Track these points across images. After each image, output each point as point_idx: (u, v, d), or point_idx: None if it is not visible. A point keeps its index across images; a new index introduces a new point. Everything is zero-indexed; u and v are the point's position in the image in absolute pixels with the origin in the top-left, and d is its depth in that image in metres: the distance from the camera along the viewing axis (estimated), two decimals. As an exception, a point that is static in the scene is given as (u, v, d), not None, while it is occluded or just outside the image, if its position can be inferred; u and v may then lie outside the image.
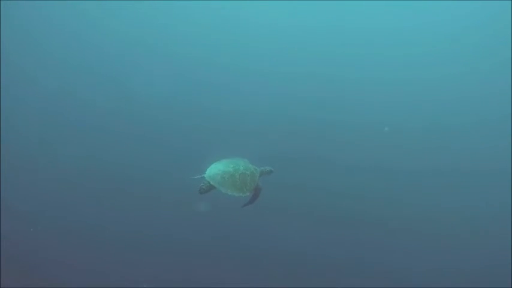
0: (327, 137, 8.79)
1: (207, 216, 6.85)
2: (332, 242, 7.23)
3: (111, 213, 7.01)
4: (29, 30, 9.00)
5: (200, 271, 6.44)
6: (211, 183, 4.11)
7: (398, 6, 10.28)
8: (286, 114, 9.00)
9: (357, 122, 9.14)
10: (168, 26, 10.13)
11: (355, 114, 9.27)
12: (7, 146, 7.50)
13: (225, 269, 6.54)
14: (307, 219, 7.35)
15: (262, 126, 8.49)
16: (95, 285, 5.75)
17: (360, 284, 6.73)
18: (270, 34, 10.27)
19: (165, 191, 7.36)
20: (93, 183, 7.43)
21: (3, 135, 7.62)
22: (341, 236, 7.30)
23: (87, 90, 8.96)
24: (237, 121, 8.71)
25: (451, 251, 7.24)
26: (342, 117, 9.17)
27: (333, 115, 9.15)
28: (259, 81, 9.77)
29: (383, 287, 6.75)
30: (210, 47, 10.16)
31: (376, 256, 7.13)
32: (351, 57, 10.03)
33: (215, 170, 4.15)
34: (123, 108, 8.80)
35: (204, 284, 6.19)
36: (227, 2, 10.38)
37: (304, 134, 8.63)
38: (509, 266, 6.75)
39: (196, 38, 9.99)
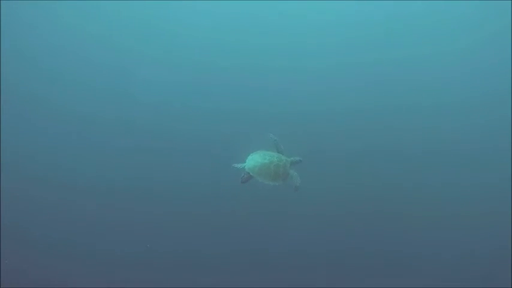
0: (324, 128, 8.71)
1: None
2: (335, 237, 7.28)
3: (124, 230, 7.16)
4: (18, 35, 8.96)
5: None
6: (251, 173, 4.75)
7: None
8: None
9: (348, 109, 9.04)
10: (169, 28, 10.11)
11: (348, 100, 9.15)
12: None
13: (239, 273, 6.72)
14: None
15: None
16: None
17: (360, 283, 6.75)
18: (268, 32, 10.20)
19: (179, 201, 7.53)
20: (102, 197, 7.50)
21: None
22: (343, 229, 7.33)
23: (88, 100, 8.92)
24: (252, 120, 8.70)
25: (449, 249, 7.21)
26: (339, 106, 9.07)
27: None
28: (270, 79, 9.71)
29: (382, 286, 6.73)
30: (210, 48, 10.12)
31: (375, 254, 7.13)
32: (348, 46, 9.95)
33: (253, 162, 4.79)
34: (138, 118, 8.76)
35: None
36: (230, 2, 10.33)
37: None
38: (510, 266, 6.70)
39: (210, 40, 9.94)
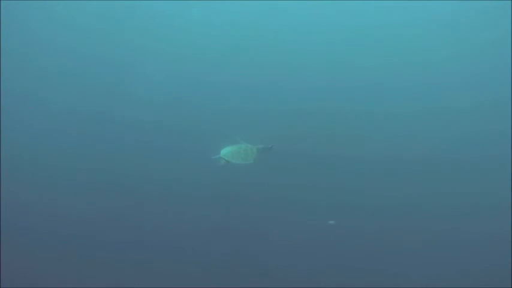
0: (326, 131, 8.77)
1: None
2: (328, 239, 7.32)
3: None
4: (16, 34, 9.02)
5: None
6: (226, 158, 6.22)
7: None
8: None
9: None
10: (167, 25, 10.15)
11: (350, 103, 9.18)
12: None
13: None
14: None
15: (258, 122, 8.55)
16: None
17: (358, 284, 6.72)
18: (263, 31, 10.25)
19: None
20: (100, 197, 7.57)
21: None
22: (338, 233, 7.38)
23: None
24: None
25: (449, 249, 7.19)
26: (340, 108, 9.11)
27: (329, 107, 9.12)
28: (259, 77, 9.76)
29: (381, 287, 6.70)
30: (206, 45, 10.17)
31: (373, 256, 7.11)
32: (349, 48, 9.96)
33: (226, 150, 6.33)
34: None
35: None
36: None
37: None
38: (509, 266, 6.64)
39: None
